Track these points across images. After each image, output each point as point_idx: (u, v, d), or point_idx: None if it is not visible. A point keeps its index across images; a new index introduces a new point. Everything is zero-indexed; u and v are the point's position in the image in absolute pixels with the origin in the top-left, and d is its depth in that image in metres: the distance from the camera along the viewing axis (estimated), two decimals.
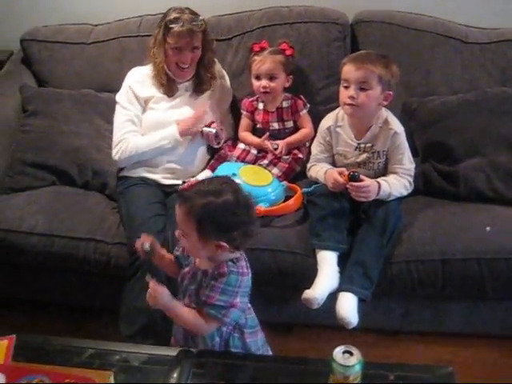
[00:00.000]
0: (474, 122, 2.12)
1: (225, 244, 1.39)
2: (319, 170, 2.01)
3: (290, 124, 2.25)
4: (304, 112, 2.25)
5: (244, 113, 2.31)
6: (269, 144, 2.19)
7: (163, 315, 1.78)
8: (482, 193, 2.04)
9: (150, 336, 1.81)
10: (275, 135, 2.27)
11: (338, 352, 1.32)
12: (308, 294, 1.79)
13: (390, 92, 1.91)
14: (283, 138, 2.24)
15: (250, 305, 1.57)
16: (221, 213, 1.37)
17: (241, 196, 1.41)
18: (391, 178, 1.97)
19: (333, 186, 1.91)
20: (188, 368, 1.41)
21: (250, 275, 1.48)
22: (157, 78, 2.18)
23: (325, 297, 1.78)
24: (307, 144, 2.29)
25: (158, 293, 1.44)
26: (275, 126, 2.25)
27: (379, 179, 1.94)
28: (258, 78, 2.19)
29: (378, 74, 1.85)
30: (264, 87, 2.17)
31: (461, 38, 2.31)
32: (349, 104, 1.88)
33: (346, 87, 1.89)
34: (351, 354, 1.32)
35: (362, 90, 1.87)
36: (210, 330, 1.48)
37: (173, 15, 2.06)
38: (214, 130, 2.12)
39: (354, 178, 1.87)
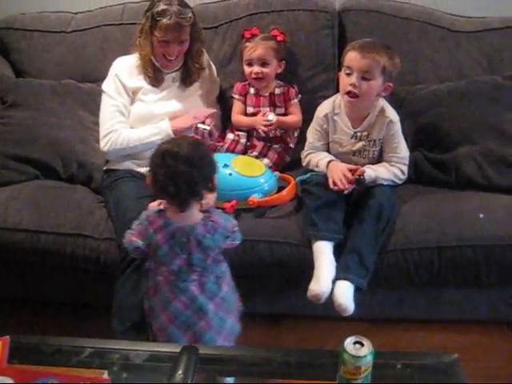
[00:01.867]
0: (463, 111, 2.13)
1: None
2: (322, 158, 1.99)
3: (281, 111, 2.23)
4: (295, 101, 2.24)
5: (236, 97, 2.26)
6: (263, 117, 2.15)
7: None
8: (473, 180, 2.05)
9: (143, 332, 1.77)
10: None
11: (348, 343, 1.30)
12: (314, 289, 1.77)
13: (391, 84, 1.90)
14: None
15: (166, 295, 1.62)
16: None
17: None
18: (379, 165, 1.97)
19: (335, 183, 1.88)
20: (193, 364, 1.37)
21: (151, 234, 1.59)
22: (143, 69, 2.12)
23: (330, 289, 1.77)
24: (295, 134, 2.27)
25: None
26: (266, 111, 2.22)
27: (364, 167, 1.93)
28: (249, 64, 2.17)
29: (383, 64, 1.84)
30: (256, 73, 2.15)
31: (448, 26, 2.32)
32: (349, 92, 1.86)
33: (349, 74, 1.87)
34: (362, 344, 1.30)
35: (364, 79, 1.85)
36: None
37: (160, 7, 1.98)
38: (208, 128, 2.07)
39: (359, 182, 1.86)
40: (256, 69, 2.15)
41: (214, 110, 2.18)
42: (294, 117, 2.23)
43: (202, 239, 1.58)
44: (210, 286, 1.63)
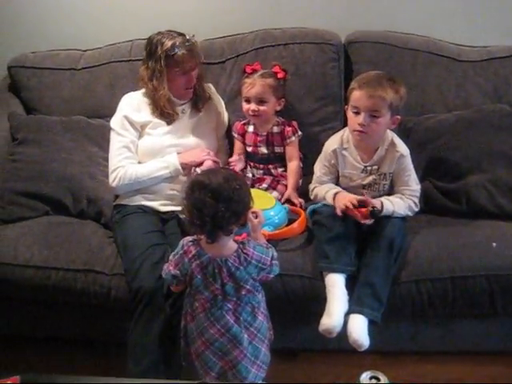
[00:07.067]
0: (472, 139, 2.13)
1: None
2: (328, 190, 1.98)
3: (279, 149, 2.21)
4: (292, 139, 2.19)
5: (236, 136, 2.27)
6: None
7: (172, 348, 1.75)
8: (485, 209, 2.04)
9: (160, 371, 1.75)
10: (264, 160, 2.23)
11: (364, 378, 1.28)
12: (325, 323, 1.75)
13: (398, 116, 1.90)
14: (272, 164, 2.23)
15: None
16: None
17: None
18: (395, 197, 1.95)
19: (342, 211, 1.86)
20: None
21: (186, 263, 1.60)
22: (159, 109, 2.12)
23: (342, 323, 1.74)
24: (301, 164, 2.26)
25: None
26: (264, 150, 2.22)
27: (382, 198, 1.93)
28: (247, 101, 2.16)
29: (390, 100, 1.83)
30: (253, 111, 2.14)
31: (453, 56, 2.34)
32: (358, 131, 1.87)
33: (356, 113, 1.87)
34: (378, 379, 1.28)
35: (373, 117, 1.84)
36: None
37: (168, 44, 2.01)
38: (199, 171, 2.06)
39: (374, 214, 1.83)
40: (253, 106, 2.14)
41: (213, 160, 2.14)
42: (293, 166, 2.19)
43: (235, 271, 1.58)
44: (245, 315, 1.63)
